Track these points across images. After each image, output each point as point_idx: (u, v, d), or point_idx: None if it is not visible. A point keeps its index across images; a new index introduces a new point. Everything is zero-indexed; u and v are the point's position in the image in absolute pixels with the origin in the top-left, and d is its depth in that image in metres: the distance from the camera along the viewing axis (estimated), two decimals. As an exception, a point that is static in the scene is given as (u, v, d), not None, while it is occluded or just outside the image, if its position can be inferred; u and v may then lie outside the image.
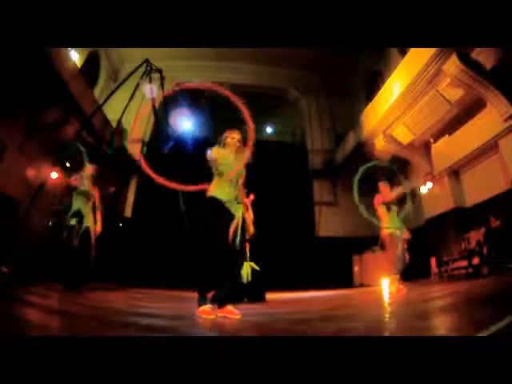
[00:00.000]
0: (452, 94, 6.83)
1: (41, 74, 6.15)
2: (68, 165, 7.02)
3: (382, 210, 4.28)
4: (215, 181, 2.31)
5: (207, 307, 2.04)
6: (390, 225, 4.18)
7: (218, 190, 2.26)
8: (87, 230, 3.99)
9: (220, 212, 2.19)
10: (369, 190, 4.59)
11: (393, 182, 4.82)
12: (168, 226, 9.10)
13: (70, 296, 3.21)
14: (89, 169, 4.26)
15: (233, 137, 2.40)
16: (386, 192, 4.34)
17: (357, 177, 4.49)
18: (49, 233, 6.56)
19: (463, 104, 7.00)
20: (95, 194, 4.21)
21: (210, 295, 2.11)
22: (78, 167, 4.43)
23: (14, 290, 3.36)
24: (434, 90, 6.98)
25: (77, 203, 4.06)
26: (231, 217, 2.21)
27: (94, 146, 7.74)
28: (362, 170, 4.51)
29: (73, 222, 3.94)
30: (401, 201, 4.55)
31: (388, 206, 4.27)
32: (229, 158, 2.35)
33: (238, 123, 2.46)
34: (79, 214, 3.99)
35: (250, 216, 4.32)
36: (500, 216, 6.19)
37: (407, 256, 4.16)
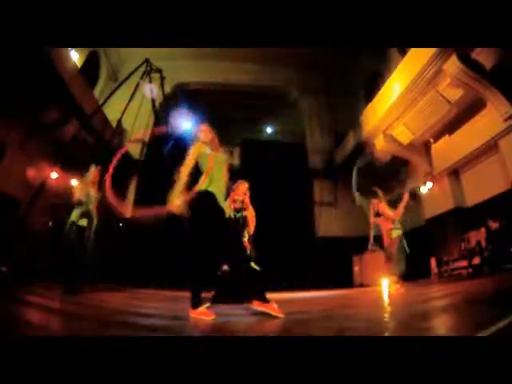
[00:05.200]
0: (452, 93, 6.82)
1: (41, 73, 6.15)
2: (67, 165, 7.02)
3: (386, 211, 4.32)
4: (204, 176, 2.22)
5: (204, 308, 2.01)
6: (397, 225, 4.22)
7: (206, 183, 2.18)
8: (96, 230, 4.05)
9: (213, 206, 2.11)
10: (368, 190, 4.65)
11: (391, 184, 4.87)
12: (168, 226, 9.07)
13: (69, 296, 3.21)
14: (94, 174, 4.23)
15: (206, 134, 2.36)
16: (385, 207, 4.44)
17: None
18: (51, 232, 6.55)
19: (463, 104, 6.99)
20: (99, 196, 4.21)
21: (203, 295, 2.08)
22: (80, 169, 4.44)
23: (13, 290, 3.36)
24: (434, 90, 6.98)
25: (85, 204, 4.05)
26: (222, 212, 2.15)
27: (95, 146, 7.74)
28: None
29: (83, 222, 3.95)
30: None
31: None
32: (206, 152, 2.30)
33: (234, 124, 2.44)
34: (89, 215, 4.00)
35: (251, 215, 4.30)
36: (500, 216, 6.18)
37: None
